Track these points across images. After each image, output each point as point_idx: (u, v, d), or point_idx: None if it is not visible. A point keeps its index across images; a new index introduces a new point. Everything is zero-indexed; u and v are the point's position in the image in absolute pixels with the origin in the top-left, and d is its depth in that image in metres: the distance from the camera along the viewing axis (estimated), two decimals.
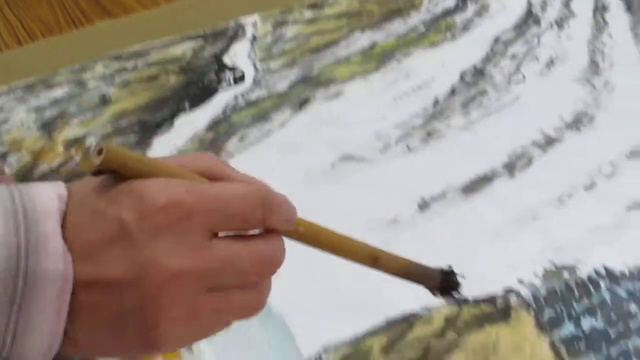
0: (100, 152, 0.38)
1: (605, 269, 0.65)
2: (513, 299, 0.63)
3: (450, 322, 0.61)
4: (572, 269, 0.65)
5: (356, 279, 0.61)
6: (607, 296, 0.63)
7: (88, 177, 0.40)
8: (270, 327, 0.60)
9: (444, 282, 0.54)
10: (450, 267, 0.55)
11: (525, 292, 0.63)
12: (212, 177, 0.42)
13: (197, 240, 0.38)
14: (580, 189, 0.73)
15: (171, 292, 0.38)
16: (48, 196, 0.38)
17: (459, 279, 0.54)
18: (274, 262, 0.42)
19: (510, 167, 0.75)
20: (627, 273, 0.65)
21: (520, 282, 0.64)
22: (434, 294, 0.54)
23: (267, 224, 0.41)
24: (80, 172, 0.75)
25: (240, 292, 0.41)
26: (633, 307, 0.62)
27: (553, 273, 0.65)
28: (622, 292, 0.63)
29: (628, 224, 0.69)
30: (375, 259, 0.49)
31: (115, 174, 0.39)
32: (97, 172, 0.39)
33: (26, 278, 0.36)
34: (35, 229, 0.36)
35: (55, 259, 0.36)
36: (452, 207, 0.71)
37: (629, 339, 0.60)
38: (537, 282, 0.64)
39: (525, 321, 0.61)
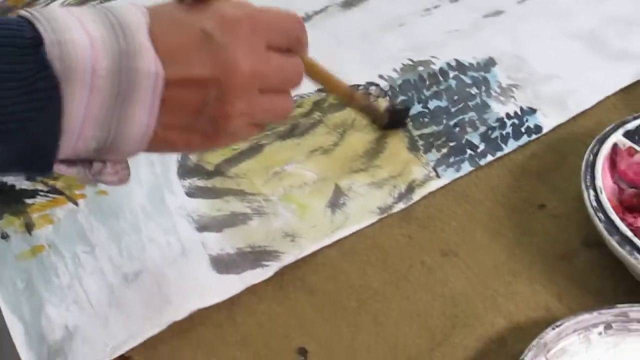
0: None
1: (456, 61, 0.75)
2: (372, 88, 0.73)
3: (317, 104, 0.72)
4: (426, 63, 0.76)
5: None
6: (453, 83, 0.74)
7: (169, 1, 0.47)
8: None
9: (392, 119, 0.68)
10: (401, 105, 0.69)
11: (384, 84, 0.74)
12: None
13: (261, 49, 0.47)
14: (446, 1, 0.83)
15: (242, 89, 0.46)
16: (134, 12, 0.44)
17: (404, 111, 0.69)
18: (301, 75, 0.51)
19: None
20: (475, 64, 0.75)
21: (381, 76, 0.74)
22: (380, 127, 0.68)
23: (300, 43, 0.51)
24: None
25: (278, 96, 0.50)
26: (474, 90, 0.73)
27: (410, 67, 0.75)
28: (467, 79, 0.74)
29: (482, 27, 0.80)
30: (351, 97, 0.64)
31: None
32: None
33: (128, 74, 0.42)
34: (130, 36, 0.42)
35: (147, 59, 0.42)
36: (331, 19, 0.81)
37: (466, 114, 0.71)
38: (395, 75, 0.75)
39: (381, 103, 0.72)
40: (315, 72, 0.56)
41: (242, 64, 0.45)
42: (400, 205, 0.64)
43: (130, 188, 0.64)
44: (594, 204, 0.58)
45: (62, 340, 0.57)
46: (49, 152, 0.43)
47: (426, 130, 0.70)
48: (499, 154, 0.68)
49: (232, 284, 0.59)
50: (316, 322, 0.57)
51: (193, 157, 0.67)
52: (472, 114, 0.71)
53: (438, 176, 0.66)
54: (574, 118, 0.70)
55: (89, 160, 0.46)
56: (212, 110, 0.45)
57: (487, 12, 0.81)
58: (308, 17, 0.82)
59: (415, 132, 0.69)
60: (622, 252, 0.55)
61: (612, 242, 0.55)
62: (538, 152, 0.67)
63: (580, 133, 0.67)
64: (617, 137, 0.62)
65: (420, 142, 0.69)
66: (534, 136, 0.69)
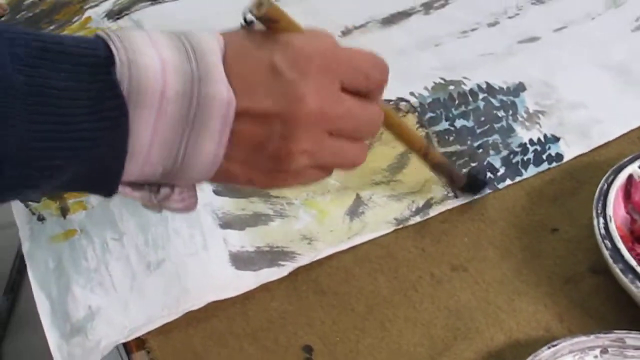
0: (259, 5, 0.43)
1: (487, 83, 0.77)
2: (403, 104, 0.76)
3: None
4: (458, 83, 0.78)
5: None
6: (481, 104, 0.76)
7: (240, 29, 0.45)
8: None
9: (469, 184, 0.67)
10: (479, 171, 0.67)
11: (414, 101, 0.76)
12: None
13: (333, 89, 0.45)
14: (484, 25, 0.85)
15: (308, 128, 0.44)
16: (209, 38, 0.43)
17: (483, 182, 0.67)
18: (378, 124, 0.49)
19: (428, 6, 0.87)
20: (504, 88, 0.77)
21: (412, 93, 0.77)
22: (455, 192, 0.67)
23: (380, 88, 0.48)
24: None
25: (350, 143, 0.48)
26: (501, 113, 0.75)
27: (441, 86, 0.78)
28: (495, 102, 0.76)
29: (516, 52, 0.82)
30: (426, 153, 0.62)
31: (267, 26, 0.45)
32: (248, 24, 0.45)
33: (199, 99, 0.41)
34: (203, 61, 0.42)
35: (221, 86, 0.42)
36: (370, 35, 0.84)
37: (491, 136, 0.73)
38: (426, 93, 0.77)
39: (409, 119, 0.74)
40: (390, 122, 0.55)
41: (309, 101, 0.43)
42: (417, 219, 0.66)
43: None
44: (602, 231, 0.59)
45: (84, 319, 0.61)
46: (114, 173, 0.42)
47: (450, 149, 0.72)
48: (517, 179, 0.69)
49: (248, 280, 0.62)
50: (325, 322, 0.59)
51: None
52: (496, 136, 0.73)
53: (456, 196, 0.68)
54: (596, 148, 0.71)
55: (157, 185, 0.46)
56: (275, 146, 0.44)
57: (523, 38, 0.83)
58: (348, 31, 0.85)
59: (440, 150, 0.71)
60: (625, 280, 0.56)
61: (616, 269, 0.57)
62: (557, 178, 0.69)
63: (601, 162, 0.68)
64: (634, 168, 0.64)
65: None
66: (554, 164, 0.70)
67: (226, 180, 0.47)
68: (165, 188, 0.46)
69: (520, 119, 0.74)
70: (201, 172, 0.44)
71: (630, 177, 0.63)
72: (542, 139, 0.72)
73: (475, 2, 0.88)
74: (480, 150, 0.71)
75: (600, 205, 0.61)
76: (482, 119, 0.74)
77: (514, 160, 0.71)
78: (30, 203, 0.69)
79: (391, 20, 0.86)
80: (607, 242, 0.59)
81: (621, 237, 0.61)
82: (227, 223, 0.65)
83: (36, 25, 0.90)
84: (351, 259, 0.63)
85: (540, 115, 0.75)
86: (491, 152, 0.71)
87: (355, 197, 0.68)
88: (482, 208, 0.67)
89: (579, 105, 0.76)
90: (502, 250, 0.64)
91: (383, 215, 0.66)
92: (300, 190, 0.68)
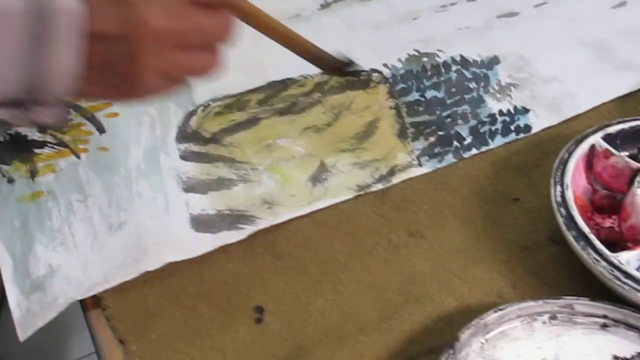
0: None
1: (461, 56, 0.77)
2: (375, 75, 0.76)
3: (318, 86, 0.75)
4: (432, 56, 0.77)
5: (251, 45, 0.76)
6: (454, 76, 0.75)
7: None
8: None
9: (340, 70, 0.66)
10: (347, 58, 0.66)
11: (387, 72, 0.76)
12: None
13: (176, 6, 0.46)
14: (464, 0, 0.85)
15: (153, 47, 0.45)
16: None
17: (353, 68, 0.66)
18: (228, 32, 0.49)
19: None
20: (479, 61, 0.77)
21: (385, 65, 0.77)
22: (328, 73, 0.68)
23: None
24: None
25: (201, 54, 0.49)
26: (473, 84, 0.75)
27: (414, 57, 0.77)
28: (468, 74, 0.76)
29: (494, 26, 0.81)
30: (297, 42, 0.62)
31: None
32: None
33: (48, 14, 0.42)
34: None
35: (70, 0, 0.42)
36: (349, 8, 0.84)
37: (460, 106, 0.73)
38: (399, 65, 0.77)
39: (380, 90, 0.74)
40: (257, 21, 0.57)
41: (151, 21, 0.45)
42: (379, 186, 0.66)
43: (129, 147, 0.68)
44: (559, 199, 0.59)
45: (44, 276, 0.61)
46: None
47: (418, 119, 0.72)
48: (484, 148, 0.69)
49: (207, 242, 0.62)
50: (278, 283, 0.59)
51: (193, 124, 0.71)
52: (465, 107, 0.73)
53: (420, 165, 0.68)
54: (566, 120, 0.71)
55: (23, 102, 0.46)
56: (123, 67, 0.46)
57: (502, 12, 0.83)
58: (327, 4, 0.84)
59: (408, 120, 0.71)
60: (577, 247, 0.56)
61: (569, 236, 0.57)
62: (523, 149, 0.69)
63: (569, 134, 0.67)
64: (596, 139, 0.63)
65: (410, 130, 0.71)
66: (522, 135, 0.70)
67: (83, 95, 0.49)
68: (29, 103, 0.46)
69: (491, 90, 0.74)
70: (62, 83, 0.45)
71: (592, 148, 0.63)
72: (511, 110, 0.72)
73: None
74: (449, 120, 0.71)
75: (558, 173, 0.61)
76: (453, 89, 0.74)
77: (481, 130, 0.70)
78: (1, 166, 0.70)
79: None
80: (562, 209, 0.58)
81: (581, 206, 0.61)
82: (191, 187, 0.66)
83: None
84: (309, 224, 0.63)
85: (512, 88, 0.74)
86: (459, 121, 0.71)
87: (320, 164, 0.68)
88: (446, 177, 0.67)
89: (553, 79, 0.75)
90: (462, 218, 0.63)
91: (345, 182, 0.66)
92: (265, 156, 0.68)
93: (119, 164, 0.68)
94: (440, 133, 0.70)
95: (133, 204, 0.65)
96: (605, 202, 0.62)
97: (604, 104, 0.73)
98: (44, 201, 0.66)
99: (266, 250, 0.62)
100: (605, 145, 0.63)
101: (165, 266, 0.60)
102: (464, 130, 0.70)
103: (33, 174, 0.68)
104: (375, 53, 0.78)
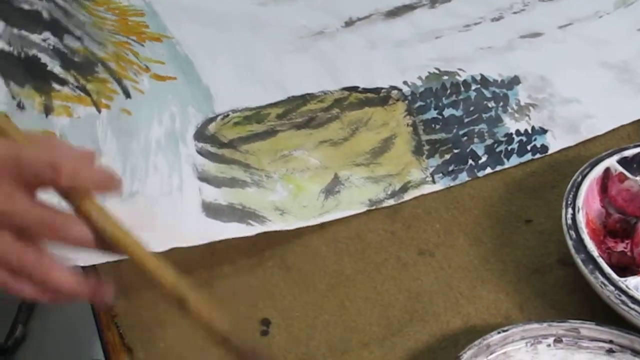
0: None
1: (482, 75, 0.77)
2: (394, 92, 0.76)
3: (338, 102, 0.75)
4: (452, 74, 0.77)
5: (272, 60, 0.77)
6: (473, 94, 0.75)
7: None
8: (195, 87, 0.75)
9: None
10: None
11: (406, 89, 0.76)
12: None
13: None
14: (488, 20, 0.85)
15: None
16: None
17: None
18: (46, 225, 0.45)
19: (434, 0, 0.87)
20: (499, 81, 0.77)
21: (405, 82, 0.77)
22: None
23: (53, 184, 0.45)
24: None
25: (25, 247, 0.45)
26: (492, 104, 0.74)
27: (435, 76, 0.77)
28: (487, 93, 0.75)
29: (516, 46, 0.81)
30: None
31: None
32: None
33: None
34: None
35: None
36: (372, 26, 0.84)
37: (477, 125, 0.73)
38: (419, 82, 0.77)
39: (398, 107, 0.74)
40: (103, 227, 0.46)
41: None
42: (391, 202, 0.66)
43: (152, 122, 0.67)
44: (569, 222, 0.58)
45: None
46: None
47: (435, 136, 0.72)
48: (498, 167, 0.69)
49: (215, 230, 0.61)
50: (285, 297, 0.60)
51: (211, 129, 0.70)
52: (483, 125, 0.72)
53: (434, 182, 0.68)
54: (584, 142, 0.71)
55: None
56: None
57: (526, 33, 0.83)
58: (351, 22, 0.85)
59: (424, 137, 0.71)
60: (585, 270, 0.56)
61: (578, 259, 0.56)
62: (538, 170, 0.69)
63: (587, 156, 0.67)
64: (611, 162, 0.63)
65: (426, 147, 0.71)
66: (538, 155, 0.70)
67: None
68: None
69: (510, 110, 0.74)
70: None
71: (607, 171, 0.63)
72: (529, 130, 0.72)
73: None
74: (465, 138, 0.71)
75: (571, 196, 0.60)
76: (472, 108, 0.74)
77: (497, 149, 0.70)
78: (11, 83, 0.66)
79: (395, 12, 0.86)
80: (572, 232, 0.58)
81: (593, 229, 0.60)
82: (205, 178, 0.65)
83: None
84: (319, 239, 0.64)
85: (531, 108, 0.74)
86: (476, 140, 0.71)
87: (334, 177, 0.68)
88: (459, 196, 0.67)
89: (573, 100, 0.75)
90: (473, 238, 0.63)
91: (358, 196, 0.67)
92: (280, 166, 0.69)
93: (140, 132, 0.66)
94: (456, 151, 0.70)
95: (148, 175, 0.64)
96: (619, 226, 0.61)
97: (623, 126, 0.72)
98: None
99: (275, 264, 0.62)
100: (620, 168, 0.62)
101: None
102: (479, 149, 0.70)
103: (47, 109, 0.65)
104: (396, 70, 0.79)
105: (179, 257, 0.62)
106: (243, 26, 0.84)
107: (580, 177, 0.62)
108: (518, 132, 0.72)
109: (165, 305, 0.59)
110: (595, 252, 0.56)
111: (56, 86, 0.67)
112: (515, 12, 0.85)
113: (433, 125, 0.73)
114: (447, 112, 0.74)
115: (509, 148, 0.70)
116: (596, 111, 0.73)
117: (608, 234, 0.61)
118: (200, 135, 0.69)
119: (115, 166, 0.63)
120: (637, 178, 0.63)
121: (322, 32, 0.84)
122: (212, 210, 0.63)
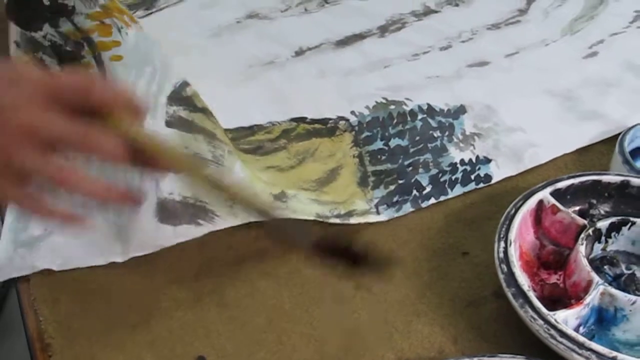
0: None
1: (428, 105, 0.78)
2: (342, 123, 0.77)
3: (285, 132, 0.76)
4: (399, 104, 0.78)
5: (223, 89, 0.78)
6: (419, 124, 0.76)
7: None
8: None
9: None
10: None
11: (353, 120, 0.77)
12: None
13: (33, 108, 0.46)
14: (436, 49, 0.86)
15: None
16: None
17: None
18: (90, 143, 0.47)
19: (383, 29, 0.88)
20: (445, 110, 0.78)
21: (352, 112, 0.78)
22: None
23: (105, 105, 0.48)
24: None
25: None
26: (437, 133, 0.75)
27: (382, 105, 0.78)
28: (433, 123, 0.76)
29: (463, 75, 0.82)
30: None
31: None
32: None
33: None
34: None
35: None
36: (322, 55, 0.85)
37: (423, 155, 0.73)
38: (366, 112, 0.78)
39: (345, 138, 0.75)
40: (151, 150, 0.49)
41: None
42: (337, 221, 0.66)
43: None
44: (501, 255, 0.59)
45: (37, 238, 0.66)
46: None
47: (380, 167, 0.72)
48: (442, 198, 0.70)
49: (168, 235, 0.62)
50: (222, 334, 0.60)
51: (189, 91, 0.67)
52: (428, 155, 0.73)
53: (378, 213, 0.68)
54: (522, 173, 0.71)
55: None
56: None
57: (473, 62, 0.84)
58: (302, 52, 0.86)
59: (370, 168, 0.72)
60: (515, 304, 0.56)
61: (508, 293, 0.57)
62: (477, 202, 0.69)
63: (523, 188, 0.67)
64: (544, 194, 0.63)
65: (372, 178, 0.71)
66: (481, 185, 0.71)
67: None
68: None
69: (455, 140, 0.75)
70: None
71: (540, 203, 0.63)
72: (473, 159, 0.73)
73: (431, 26, 0.89)
74: (410, 169, 0.72)
75: (504, 229, 0.61)
76: (417, 138, 0.75)
77: (441, 179, 0.71)
78: None
79: (345, 42, 0.87)
80: (503, 266, 0.58)
81: (527, 261, 0.61)
82: None
83: None
84: (258, 274, 0.64)
85: (475, 137, 0.75)
86: (420, 170, 0.72)
87: (281, 191, 0.67)
88: (396, 228, 0.67)
89: (517, 129, 0.76)
90: (409, 272, 0.64)
91: (305, 209, 0.66)
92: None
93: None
94: (400, 181, 0.70)
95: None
96: (552, 258, 0.62)
97: (563, 155, 0.73)
98: None
99: (212, 300, 0.63)
100: (553, 200, 0.63)
101: (114, 315, 0.61)
102: (424, 179, 0.71)
103: None
104: (344, 100, 0.80)
105: (120, 292, 0.63)
106: (195, 55, 0.85)
107: (513, 210, 0.62)
108: (462, 162, 0.72)
109: (101, 345, 0.60)
110: (525, 285, 0.57)
111: None
112: (463, 41, 0.87)
113: (379, 156, 0.73)
114: (393, 142, 0.74)
115: (453, 178, 0.71)
116: (540, 140, 0.74)
117: (542, 265, 0.62)
118: (177, 96, 0.66)
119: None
120: (572, 209, 0.63)
121: (272, 62, 0.85)
122: (165, 212, 0.62)
